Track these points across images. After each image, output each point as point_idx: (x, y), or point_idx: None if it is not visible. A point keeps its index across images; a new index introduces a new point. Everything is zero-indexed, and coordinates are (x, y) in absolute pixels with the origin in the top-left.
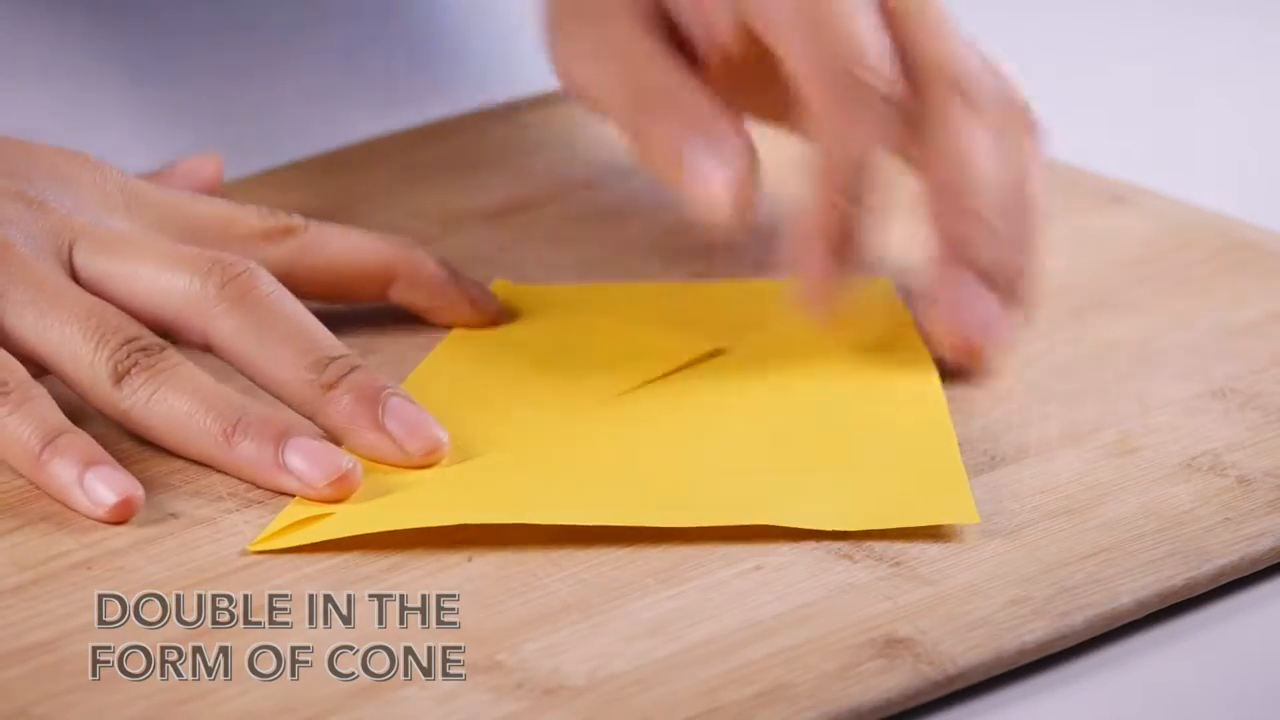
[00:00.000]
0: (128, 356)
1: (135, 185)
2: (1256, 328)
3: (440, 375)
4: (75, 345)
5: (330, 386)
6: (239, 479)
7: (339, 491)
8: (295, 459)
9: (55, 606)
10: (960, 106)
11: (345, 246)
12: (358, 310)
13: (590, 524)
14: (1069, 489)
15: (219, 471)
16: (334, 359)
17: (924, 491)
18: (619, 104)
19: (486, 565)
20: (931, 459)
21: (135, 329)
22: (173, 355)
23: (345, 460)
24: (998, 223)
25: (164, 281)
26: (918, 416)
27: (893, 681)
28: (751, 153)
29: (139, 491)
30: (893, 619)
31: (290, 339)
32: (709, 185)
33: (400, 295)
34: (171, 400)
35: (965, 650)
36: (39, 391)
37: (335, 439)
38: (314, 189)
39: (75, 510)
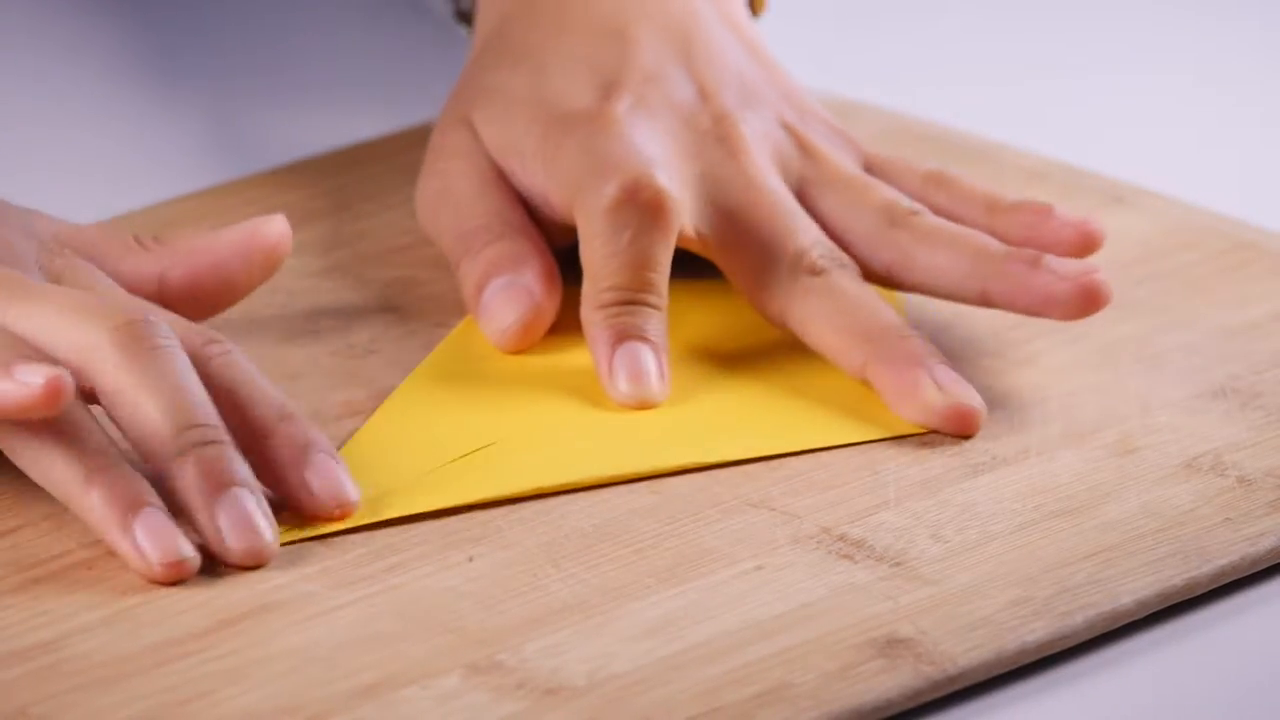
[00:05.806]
0: None
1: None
2: (1257, 328)
3: (449, 366)
4: None
5: (182, 454)
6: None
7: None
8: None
9: (55, 606)
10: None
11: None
12: (361, 307)
13: (610, 475)
14: (1069, 489)
15: None
16: (198, 425)
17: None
18: (447, 244)
19: (487, 565)
20: None
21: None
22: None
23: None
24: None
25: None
26: None
27: (893, 681)
28: (541, 295)
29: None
30: (893, 619)
31: (167, 395)
32: (493, 324)
33: None
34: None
35: (966, 650)
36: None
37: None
38: (314, 189)
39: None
